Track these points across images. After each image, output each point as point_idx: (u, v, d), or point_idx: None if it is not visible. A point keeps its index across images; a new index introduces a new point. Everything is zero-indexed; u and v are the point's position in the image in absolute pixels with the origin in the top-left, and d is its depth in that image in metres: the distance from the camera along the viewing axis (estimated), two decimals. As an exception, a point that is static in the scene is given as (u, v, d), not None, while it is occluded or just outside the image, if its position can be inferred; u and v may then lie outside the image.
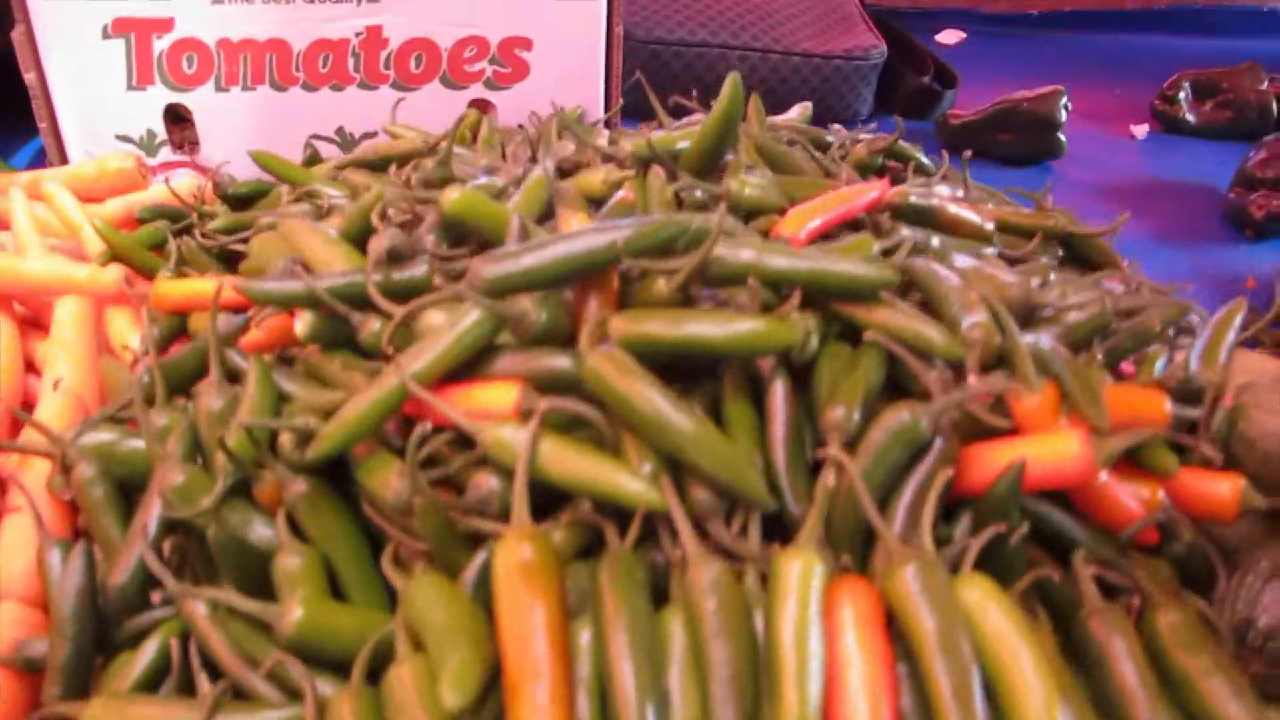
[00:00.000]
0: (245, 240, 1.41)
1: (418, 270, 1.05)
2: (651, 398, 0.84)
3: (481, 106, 1.98)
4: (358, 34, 1.88)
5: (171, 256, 1.43)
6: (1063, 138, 2.31)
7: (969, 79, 2.60)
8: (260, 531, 0.93)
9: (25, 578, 1.02)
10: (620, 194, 1.17)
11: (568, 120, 1.89)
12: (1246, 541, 1.00)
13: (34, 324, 1.48)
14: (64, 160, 1.94)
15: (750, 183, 1.20)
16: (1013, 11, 2.86)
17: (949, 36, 2.85)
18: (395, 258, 1.05)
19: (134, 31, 1.85)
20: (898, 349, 0.92)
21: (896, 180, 1.66)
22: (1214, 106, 2.57)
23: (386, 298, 1.01)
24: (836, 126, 1.96)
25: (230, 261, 1.45)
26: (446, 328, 0.92)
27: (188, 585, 0.90)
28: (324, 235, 1.13)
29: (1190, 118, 2.56)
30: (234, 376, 1.08)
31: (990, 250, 1.30)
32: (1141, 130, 2.55)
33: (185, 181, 1.74)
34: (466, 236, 1.12)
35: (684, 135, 1.34)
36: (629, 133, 1.72)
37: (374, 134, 1.96)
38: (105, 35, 1.85)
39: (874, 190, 1.24)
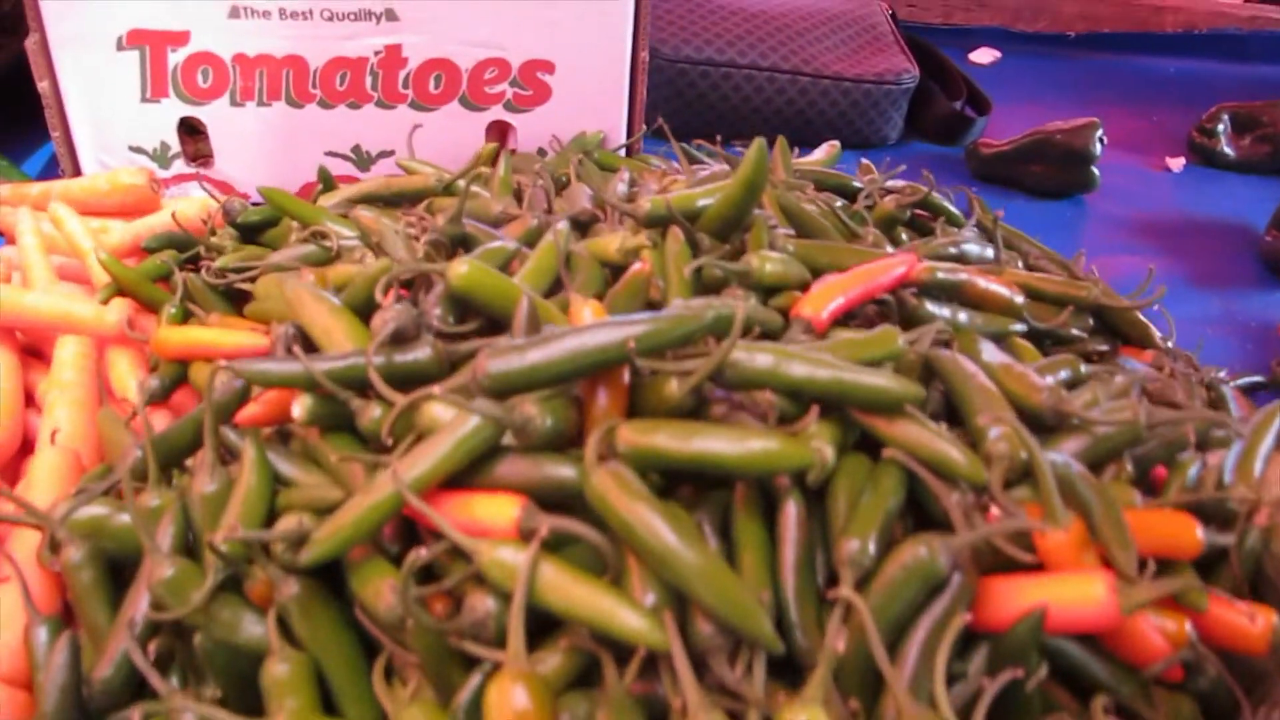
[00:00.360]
0: (253, 279, 1.39)
1: (421, 353, 1.01)
2: (656, 527, 0.80)
3: (501, 129, 1.93)
4: (376, 53, 1.84)
5: (177, 292, 1.40)
6: (1095, 171, 2.25)
7: (1002, 99, 2.54)
8: (251, 630, 0.90)
9: (11, 655, 1.00)
10: (636, 266, 1.13)
11: (589, 144, 1.87)
12: (1273, 663, 0.96)
13: (35, 353, 1.46)
14: (76, 170, 1.91)
15: (771, 258, 1.15)
16: (1050, 32, 2.78)
17: (983, 55, 2.78)
18: (399, 338, 1.01)
19: (149, 44, 1.81)
20: (919, 469, 0.88)
21: (924, 230, 1.62)
22: (1253, 141, 2.50)
23: (389, 382, 0.98)
24: (865, 163, 1.91)
25: (238, 299, 1.41)
26: (447, 432, 0.88)
27: (175, 690, 0.87)
28: (328, 305, 1.09)
29: (1229, 151, 2.49)
30: (233, 451, 1.04)
31: (1019, 326, 1.25)
32: (1177, 163, 2.48)
33: (195, 204, 1.71)
34: (474, 310, 1.08)
35: (705, 193, 1.29)
36: (651, 170, 1.67)
37: (390, 153, 1.92)
38: (120, 46, 1.81)
39: (900, 266, 1.19)
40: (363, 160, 1.93)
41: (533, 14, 1.82)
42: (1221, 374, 1.55)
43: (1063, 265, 1.60)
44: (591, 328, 0.93)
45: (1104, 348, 1.38)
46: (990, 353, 1.08)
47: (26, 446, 1.32)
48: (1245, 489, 1.00)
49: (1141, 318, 1.41)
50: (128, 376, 1.33)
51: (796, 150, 1.93)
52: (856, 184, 1.60)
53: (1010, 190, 2.29)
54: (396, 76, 1.86)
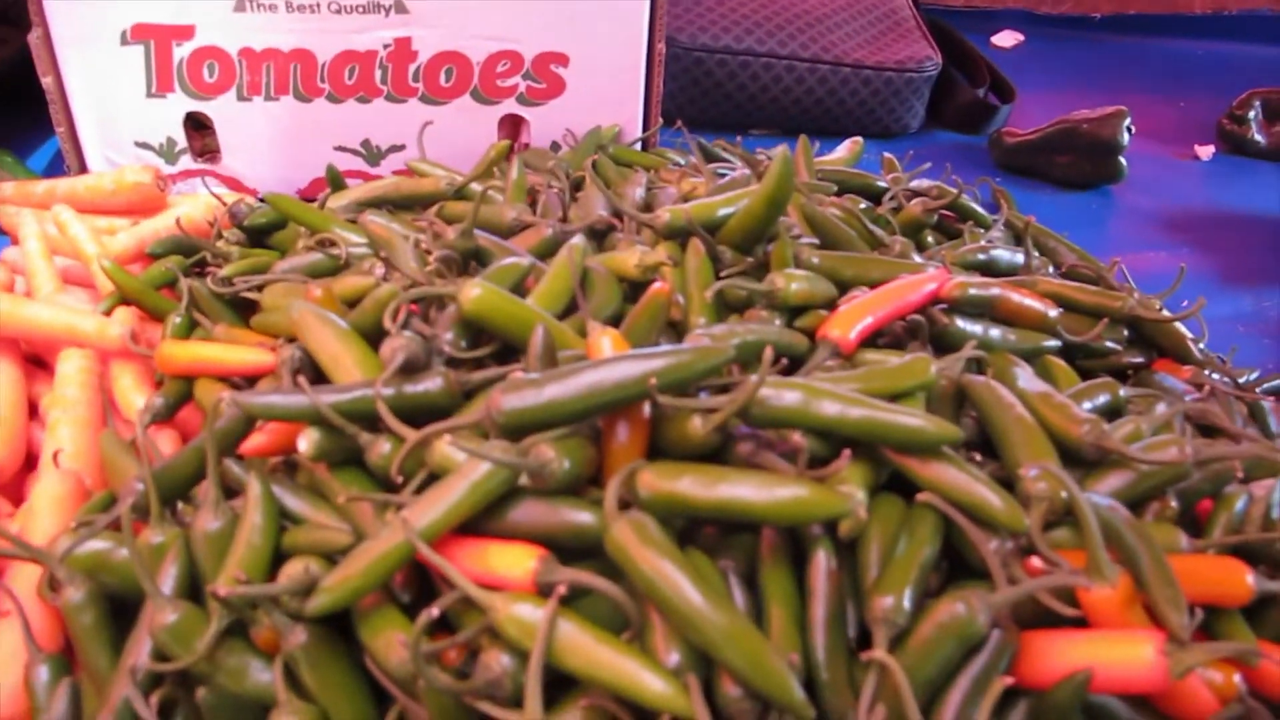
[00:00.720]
0: (260, 287, 1.34)
1: (433, 384, 0.97)
2: (679, 585, 0.76)
3: (514, 123, 1.88)
4: (386, 46, 1.79)
5: (183, 300, 1.36)
6: (1123, 161, 2.19)
7: (1026, 85, 2.48)
8: (257, 678, 0.86)
9: (12, 696, 0.97)
10: (656, 285, 1.08)
11: (604, 139, 1.81)
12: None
13: (39, 361, 1.42)
14: (82, 167, 1.87)
15: (796, 276, 1.10)
16: (1075, 14, 2.71)
17: (1006, 39, 2.71)
18: (410, 368, 0.97)
19: (154, 38, 1.77)
20: (956, 516, 0.83)
21: (951, 233, 1.57)
22: (1287, 128, 2.44)
23: (399, 414, 0.93)
24: (888, 158, 1.86)
25: (245, 306, 1.37)
26: (460, 475, 0.84)
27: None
28: (336, 330, 1.05)
29: (1260, 140, 2.43)
30: (239, 483, 1.01)
31: (1053, 343, 1.21)
32: (1207, 151, 2.42)
33: (201, 205, 1.66)
34: (489, 334, 1.04)
35: (726, 202, 1.25)
36: (670, 170, 1.62)
37: (401, 147, 1.88)
38: (124, 41, 1.77)
39: (931, 283, 1.14)
40: (373, 155, 1.89)
41: (546, 5, 1.77)
42: (1254, 376, 1.50)
43: (1096, 268, 1.55)
44: (610, 361, 0.89)
45: (1139, 360, 1.33)
46: (1026, 379, 1.03)
47: (30, 460, 1.29)
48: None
49: (1179, 328, 1.35)
50: (132, 392, 1.29)
51: (818, 144, 1.88)
52: (881, 184, 1.55)
53: (1035, 181, 2.23)
54: (406, 70, 1.81)
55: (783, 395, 0.87)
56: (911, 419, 0.87)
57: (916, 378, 0.96)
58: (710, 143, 1.94)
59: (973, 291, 1.16)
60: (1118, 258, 1.55)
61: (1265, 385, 1.52)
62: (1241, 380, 1.45)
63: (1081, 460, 0.95)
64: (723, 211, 1.23)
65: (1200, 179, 2.36)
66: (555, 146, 1.87)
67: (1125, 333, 1.35)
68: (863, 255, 1.24)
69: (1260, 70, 2.62)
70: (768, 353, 0.85)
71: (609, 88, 1.85)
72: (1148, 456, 0.92)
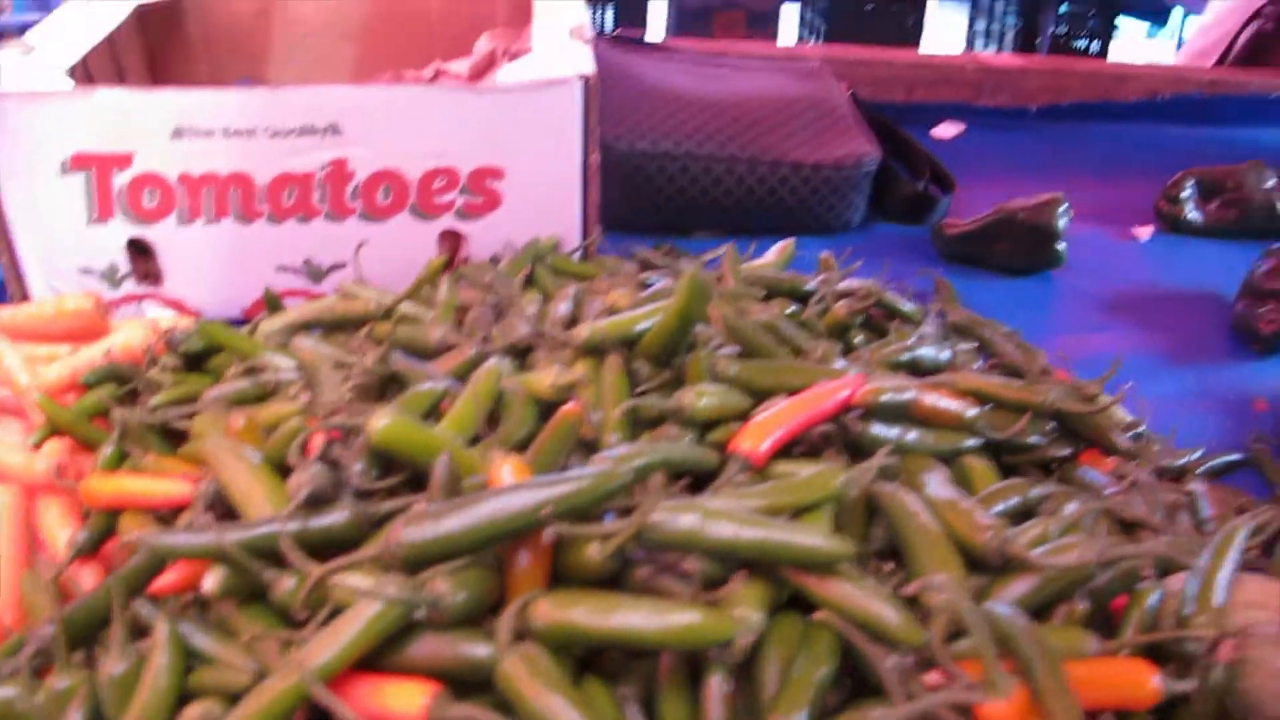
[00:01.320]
0: (192, 415, 1.35)
1: (338, 517, 0.97)
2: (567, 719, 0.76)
3: (454, 237, 1.91)
4: (323, 167, 1.82)
5: (115, 431, 1.36)
6: (1061, 247, 2.22)
7: (967, 173, 2.52)
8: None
9: None
10: (566, 406, 1.09)
11: (542, 250, 1.84)
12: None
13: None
14: (24, 295, 1.88)
15: (707, 392, 1.12)
16: (1012, 106, 2.78)
17: (947, 130, 2.77)
18: (317, 500, 0.97)
19: (94, 167, 1.79)
20: (852, 633, 0.84)
21: (879, 329, 1.59)
22: (1220, 205, 2.48)
23: (307, 548, 0.94)
24: (824, 257, 1.88)
25: (180, 436, 1.38)
26: (356, 612, 0.84)
27: None
28: (247, 465, 1.05)
29: (1196, 218, 2.47)
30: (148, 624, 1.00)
31: (971, 442, 1.22)
32: (1146, 232, 2.46)
33: (139, 331, 1.67)
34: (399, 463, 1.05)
35: (646, 315, 1.26)
36: (601, 282, 1.64)
37: (343, 265, 1.90)
38: (64, 170, 1.79)
39: (844, 390, 1.16)
40: (315, 274, 1.91)
41: (479, 122, 1.80)
42: (1197, 455, 1.52)
43: (1030, 357, 1.57)
44: (509, 491, 0.90)
45: (1065, 453, 1.34)
46: (936, 485, 1.04)
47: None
48: (1205, 621, 0.96)
49: (1103, 419, 1.36)
50: (57, 528, 1.29)
51: (753, 246, 1.91)
52: (810, 286, 1.57)
53: (978, 270, 2.26)
54: (344, 189, 1.83)
55: (678, 519, 0.88)
56: (806, 537, 0.88)
57: (821, 491, 0.97)
58: (651, 248, 1.96)
59: (885, 398, 1.17)
60: (1061, 341, 1.57)
61: (1209, 464, 1.54)
62: (1183, 460, 1.47)
63: (988, 567, 0.95)
64: (640, 326, 1.24)
65: (1140, 259, 2.40)
66: (496, 259, 1.89)
67: (1051, 425, 1.36)
68: (781, 363, 1.26)
69: (1193, 151, 2.68)
70: (656, 480, 0.86)
71: (545, 199, 1.88)
72: (1049, 561, 0.93)
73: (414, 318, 1.44)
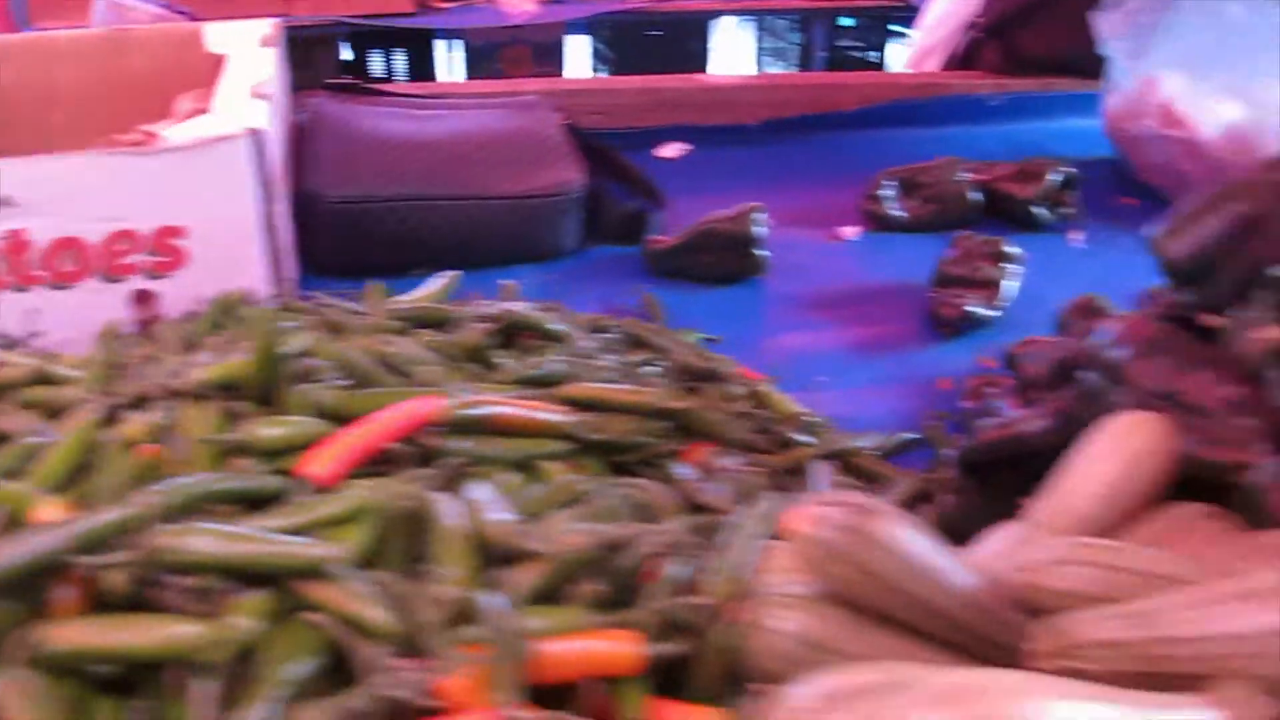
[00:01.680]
0: None
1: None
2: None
3: (145, 297, 1.96)
4: (3, 238, 1.85)
5: None
6: (761, 254, 2.35)
7: (688, 191, 2.64)
8: None
9: None
10: (146, 447, 1.17)
11: (230, 303, 1.90)
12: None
13: None
14: None
15: (277, 423, 1.21)
16: (733, 123, 2.93)
17: (671, 150, 2.90)
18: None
19: None
20: (335, 628, 0.93)
21: (528, 350, 1.69)
22: (921, 201, 2.65)
23: None
24: (502, 284, 1.98)
25: None
26: None
27: None
28: None
29: (900, 214, 2.64)
30: None
31: (553, 448, 1.33)
32: (853, 231, 2.61)
33: None
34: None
35: (241, 362, 1.35)
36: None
37: (42, 333, 1.93)
38: None
39: (421, 409, 1.25)
40: (8, 346, 1.93)
41: (154, 182, 1.86)
42: (865, 442, 1.64)
43: (706, 359, 1.71)
44: (33, 533, 0.97)
45: (674, 448, 1.45)
46: (477, 490, 1.15)
47: None
48: (718, 588, 1.07)
49: (709, 415, 1.49)
50: None
51: (460, 274, 2.02)
52: (453, 313, 1.67)
53: (688, 283, 2.37)
54: (27, 260, 1.87)
55: (187, 541, 0.96)
56: (298, 548, 0.97)
57: (354, 503, 1.07)
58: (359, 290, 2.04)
59: (461, 413, 1.27)
60: (765, 343, 1.83)
61: (885, 445, 1.67)
62: (847, 445, 1.59)
63: (505, 560, 1.06)
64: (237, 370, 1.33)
65: (845, 258, 2.54)
66: (191, 316, 1.95)
67: (668, 424, 1.48)
68: (373, 391, 1.34)
69: (902, 152, 2.84)
70: (156, 499, 0.94)
71: (229, 253, 1.94)
72: (547, 549, 1.04)
73: (65, 379, 1.49)
